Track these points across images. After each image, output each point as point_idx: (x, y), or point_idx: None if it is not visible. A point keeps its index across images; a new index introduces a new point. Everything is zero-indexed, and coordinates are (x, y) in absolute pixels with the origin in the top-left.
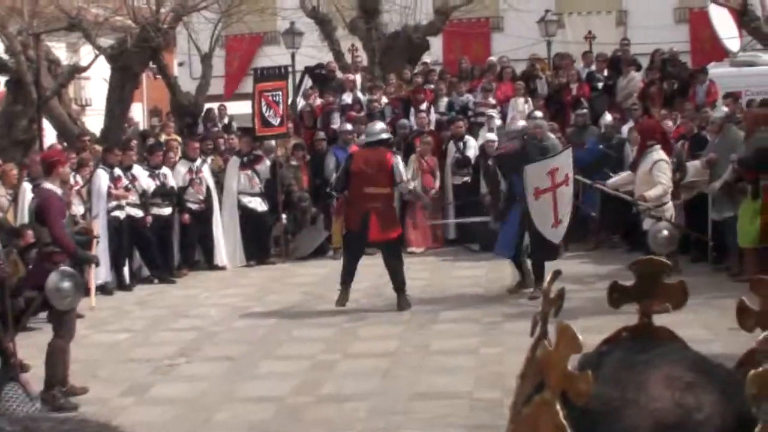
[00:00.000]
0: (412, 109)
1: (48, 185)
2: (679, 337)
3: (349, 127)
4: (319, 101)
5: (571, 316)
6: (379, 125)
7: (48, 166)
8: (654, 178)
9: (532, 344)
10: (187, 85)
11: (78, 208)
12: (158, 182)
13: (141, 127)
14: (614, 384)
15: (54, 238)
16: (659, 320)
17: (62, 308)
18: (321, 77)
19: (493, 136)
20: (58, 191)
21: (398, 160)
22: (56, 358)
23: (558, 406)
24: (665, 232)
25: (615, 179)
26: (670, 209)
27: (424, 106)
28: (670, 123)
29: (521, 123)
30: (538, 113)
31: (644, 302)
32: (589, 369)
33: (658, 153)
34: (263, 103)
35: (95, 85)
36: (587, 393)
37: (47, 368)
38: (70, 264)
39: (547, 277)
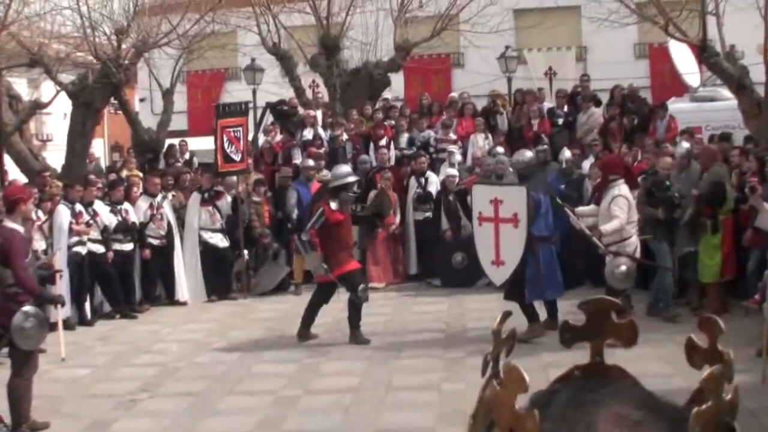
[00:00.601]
0: (372, 145)
1: (10, 224)
2: (630, 375)
3: (311, 162)
4: (279, 137)
5: (534, 352)
6: (345, 168)
7: (10, 203)
8: (611, 213)
9: (483, 384)
10: (148, 121)
11: (40, 244)
12: (120, 218)
13: (102, 163)
14: (562, 423)
15: (17, 280)
16: (622, 354)
17: (26, 348)
18: (283, 113)
19: (454, 171)
20: (21, 230)
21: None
22: (20, 396)
23: None
24: (623, 268)
25: (582, 209)
26: (632, 244)
27: (383, 142)
28: (629, 159)
29: (528, 154)
30: (500, 149)
31: (595, 341)
32: (538, 408)
33: (619, 188)
34: (225, 139)
35: (56, 121)
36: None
37: (12, 408)
38: (34, 303)
39: (498, 318)
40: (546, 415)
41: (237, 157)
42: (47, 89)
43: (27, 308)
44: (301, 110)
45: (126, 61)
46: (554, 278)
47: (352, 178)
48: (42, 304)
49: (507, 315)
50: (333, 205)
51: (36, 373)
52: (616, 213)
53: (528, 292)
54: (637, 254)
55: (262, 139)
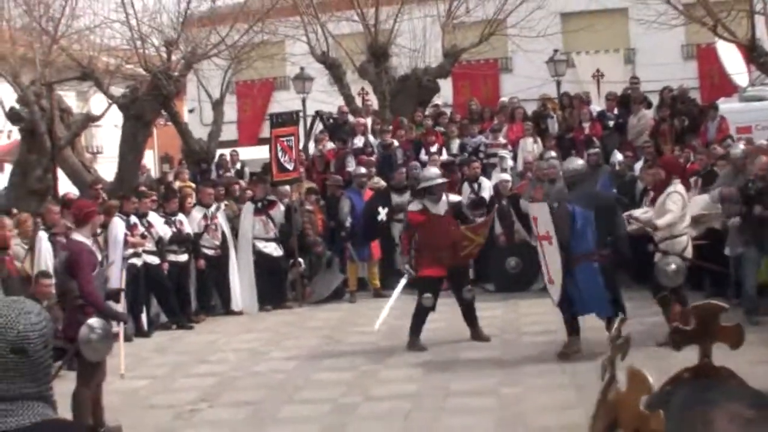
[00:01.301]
0: (423, 151)
1: (79, 237)
2: (737, 375)
3: (362, 170)
4: (330, 146)
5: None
6: (434, 170)
7: (84, 216)
8: (665, 207)
9: (602, 388)
10: (198, 131)
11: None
12: (174, 229)
13: (153, 174)
14: (682, 422)
15: (82, 293)
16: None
17: (93, 359)
18: (332, 125)
19: (506, 176)
20: (89, 242)
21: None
22: (84, 406)
23: None
24: (673, 266)
25: (638, 213)
26: (683, 242)
27: (434, 149)
28: (682, 160)
29: (579, 162)
30: (552, 153)
31: (704, 343)
32: (658, 408)
33: (675, 186)
34: (279, 149)
35: (106, 133)
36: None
37: (74, 417)
38: (99, 315)
39: (614, 325)
40: (666, 415)
41: (290, 166)
42: (96, 102)
43: (92, 321)
44: (351, 118)
45: (176, 73)
46: (597, 296)
47: (440, 180)
48: (106, 318)
49: (623, 320)
50: (412, 207)
51: (104, 380)
52: (670, 207)
53: (574, 307)
54: (688, 253)
55: (312, 147)
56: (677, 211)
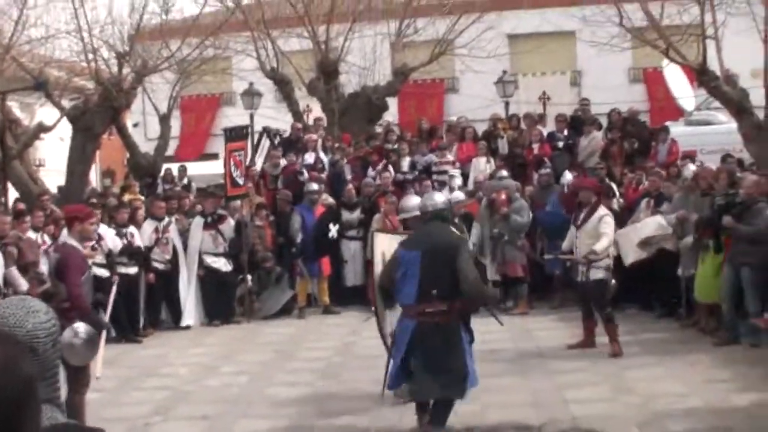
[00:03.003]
0: (371, 169)
1: (70, 241)
2: None
3: (314, 186)
4: (283, 161)
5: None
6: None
7: (67, 221)
8: (599, 231)
9: None
10: (143, 146)
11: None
12: (125, 241)
13: (96, 188)
14: None
15: (70, 297)
16: (637, 374)
17: (75, 364)
18: (283, 141)
19: (461, 195)
20: (79, 247)
21: None
22: (80, 413)
23: None
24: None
25: (566, 244)
26: (607, 262)
27: (381, 166)
28: (634, 182)
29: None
30: (504, 172)
31: None
32: None
33: (602, 209)
34: (232, 163)
35: (49, 146)
36: None
37: None
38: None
39: None
40: None
41: (242, 181)
42: (43, 113)
43: (78, 325)
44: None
45: (127, 85)
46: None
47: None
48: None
49: None
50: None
51: (88, 387)
52: (605, 230)
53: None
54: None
55: (259, 163)
56: (611, 233)
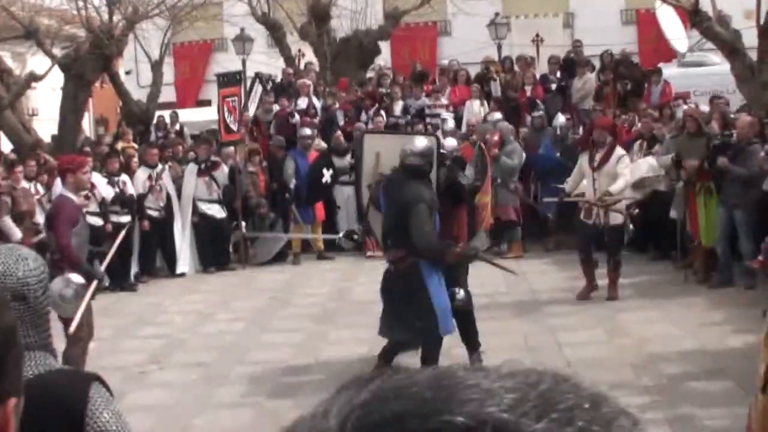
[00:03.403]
0: (363, 113)
1: (65, 192)
2: None
3: (307, 131)
4: (276, 107)
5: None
6: (421, 142)
7: (60, 173)
8: (618, 172)
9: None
10: (135, 94)
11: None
12: (117, 189)
13: (90, 136)
14: None
15: (58, 247)
16: (632, 317)
17: (64, 315)
18: (275, 86)
19: (453, 143)
20: (74, 198)
21: None
22: (77, 366)
23: None
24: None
25: (570, 185)
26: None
27: (373, 111)
28: (627, 123)
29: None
30: (497, 114)
31: None
32: None
33: (619, 148)
34: (225, 109)
35: (42, 95)
36: None
37: None
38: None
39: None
40: None
41: (236, 127)
42: (33, 63)
43: (71, 276)
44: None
45: (118, 32)
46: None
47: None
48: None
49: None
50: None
51: (92, 337)
52: (623, 171)
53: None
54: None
55: (251, 109)
56: (629, 175)
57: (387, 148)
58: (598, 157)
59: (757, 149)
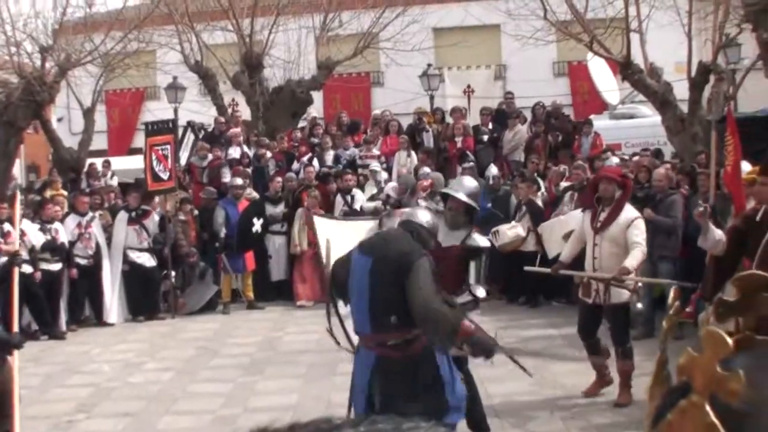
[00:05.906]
0: (296, 162)
1: None
2: None
3: (239, 181)
4: (210, 156)
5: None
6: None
7: None
8: (632, 238)
9: (657, 360)
10: (67, 141)
11: None
12: (50, 236)
13: (21, 183)
14: (751, 385)
15: None
16: (554, 367)
17: None
18: (207, 136)
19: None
20: None
21: None
22: None
23: (708, 407)
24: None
25: (566, 253)
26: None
27: (306, 159)
28: (557, 175)
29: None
30: (426, 168)
31: (747, 315)
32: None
33: (630, 208)
34: (153, 158)
35: None
36: (738, 392)
37: None
38: None
39: (670, 297)
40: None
41: (165, 176)
42: None
43: None
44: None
45: (50, 79)
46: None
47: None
48: None
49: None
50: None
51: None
52: (638, 239)
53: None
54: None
55: (183, 157)
56: (644, 244)
57: (338, 234)
58: (602, 216)
59: (678, 199)
